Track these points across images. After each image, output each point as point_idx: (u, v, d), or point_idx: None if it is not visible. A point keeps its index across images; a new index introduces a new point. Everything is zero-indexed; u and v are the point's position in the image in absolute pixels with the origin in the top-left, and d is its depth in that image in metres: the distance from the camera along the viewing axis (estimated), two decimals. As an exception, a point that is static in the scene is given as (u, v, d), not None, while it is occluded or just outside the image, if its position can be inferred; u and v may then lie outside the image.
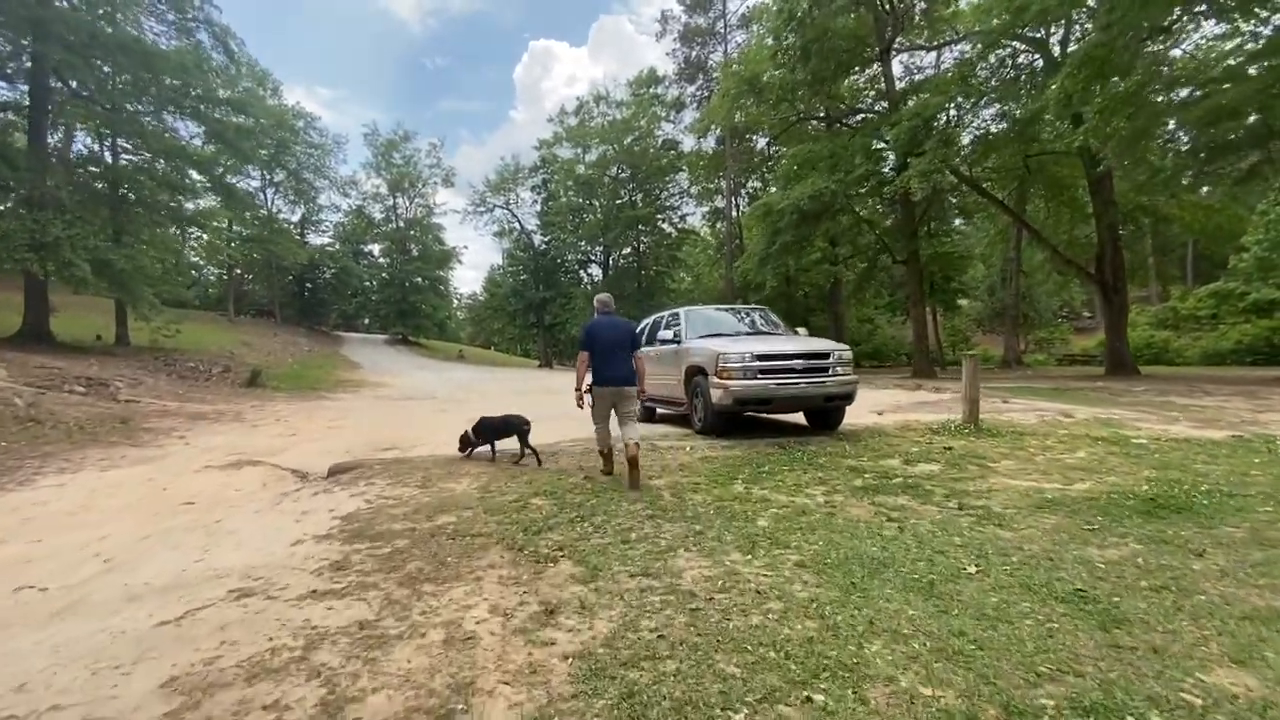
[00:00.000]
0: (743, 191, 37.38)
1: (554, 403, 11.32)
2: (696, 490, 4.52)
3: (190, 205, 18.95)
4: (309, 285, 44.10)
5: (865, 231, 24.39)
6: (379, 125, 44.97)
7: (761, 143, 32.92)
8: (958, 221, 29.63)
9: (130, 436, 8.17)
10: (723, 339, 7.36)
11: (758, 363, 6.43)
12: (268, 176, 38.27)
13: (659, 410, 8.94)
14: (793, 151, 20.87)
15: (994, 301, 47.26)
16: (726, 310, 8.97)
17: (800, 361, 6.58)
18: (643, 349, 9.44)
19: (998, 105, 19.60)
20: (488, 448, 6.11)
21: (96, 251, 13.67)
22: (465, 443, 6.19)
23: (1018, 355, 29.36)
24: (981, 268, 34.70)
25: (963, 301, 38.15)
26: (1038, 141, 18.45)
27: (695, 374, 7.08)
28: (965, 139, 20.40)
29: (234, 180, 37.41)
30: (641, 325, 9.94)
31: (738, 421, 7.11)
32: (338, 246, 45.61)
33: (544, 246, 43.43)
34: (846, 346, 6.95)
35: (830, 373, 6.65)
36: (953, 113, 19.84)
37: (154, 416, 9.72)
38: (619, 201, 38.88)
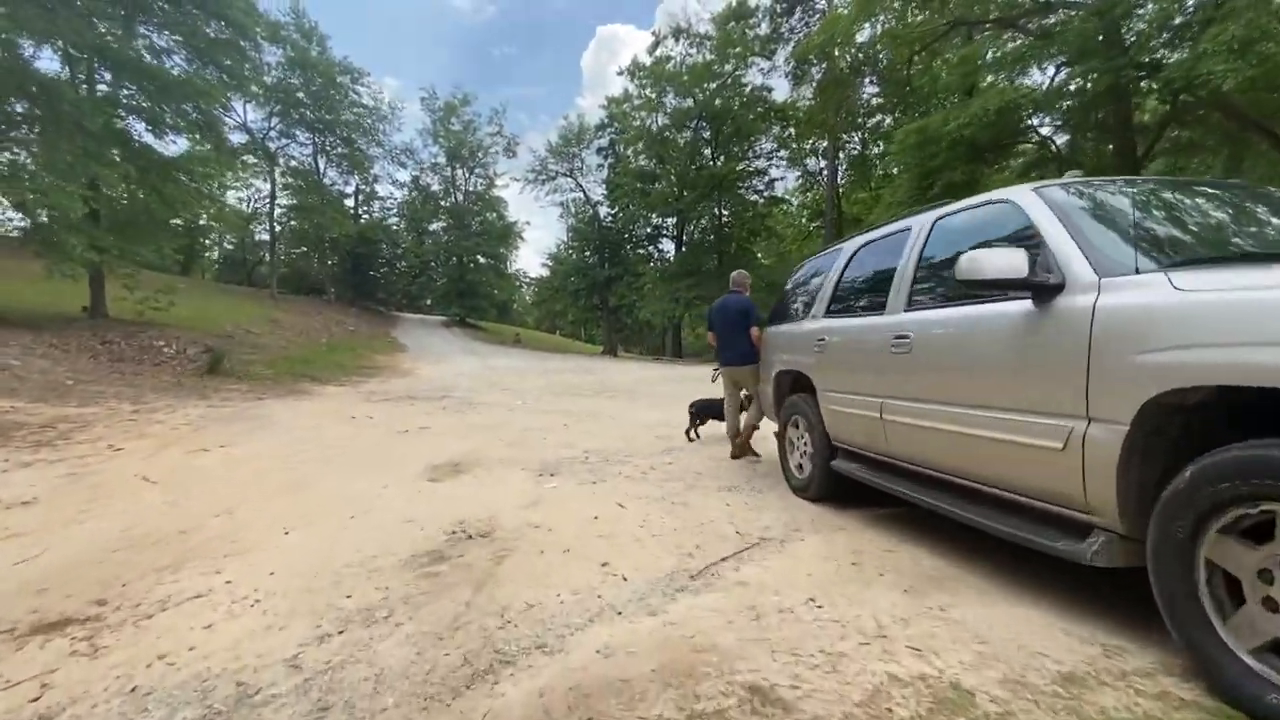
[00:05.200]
0: (840, 155, 30.68)
1: (614, 422, 6.12)
2: None
3: (171, 147, 15.00)
4: (371, 260, 40.66)
5: (1051, 173, 17.50)
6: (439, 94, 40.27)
7: (869, 90, 25.63)
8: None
9: None
10: None
11: None
12: (318, 142, 35.20)
13: (855, 474, 3.44)
14: (963, 53, 14.45)
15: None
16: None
17: None
18: (853, 321, 3.88)
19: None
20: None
21: (-15, 184, 9.81)
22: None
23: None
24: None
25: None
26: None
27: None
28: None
29: (283, 144, 35.09)
30: (847, 249, 4.12)
31: None
32: (401, 224, 42.34)
33: (610, 220, 38.31)
34: None
35: None
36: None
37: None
38: (695, 166, 32.93)
